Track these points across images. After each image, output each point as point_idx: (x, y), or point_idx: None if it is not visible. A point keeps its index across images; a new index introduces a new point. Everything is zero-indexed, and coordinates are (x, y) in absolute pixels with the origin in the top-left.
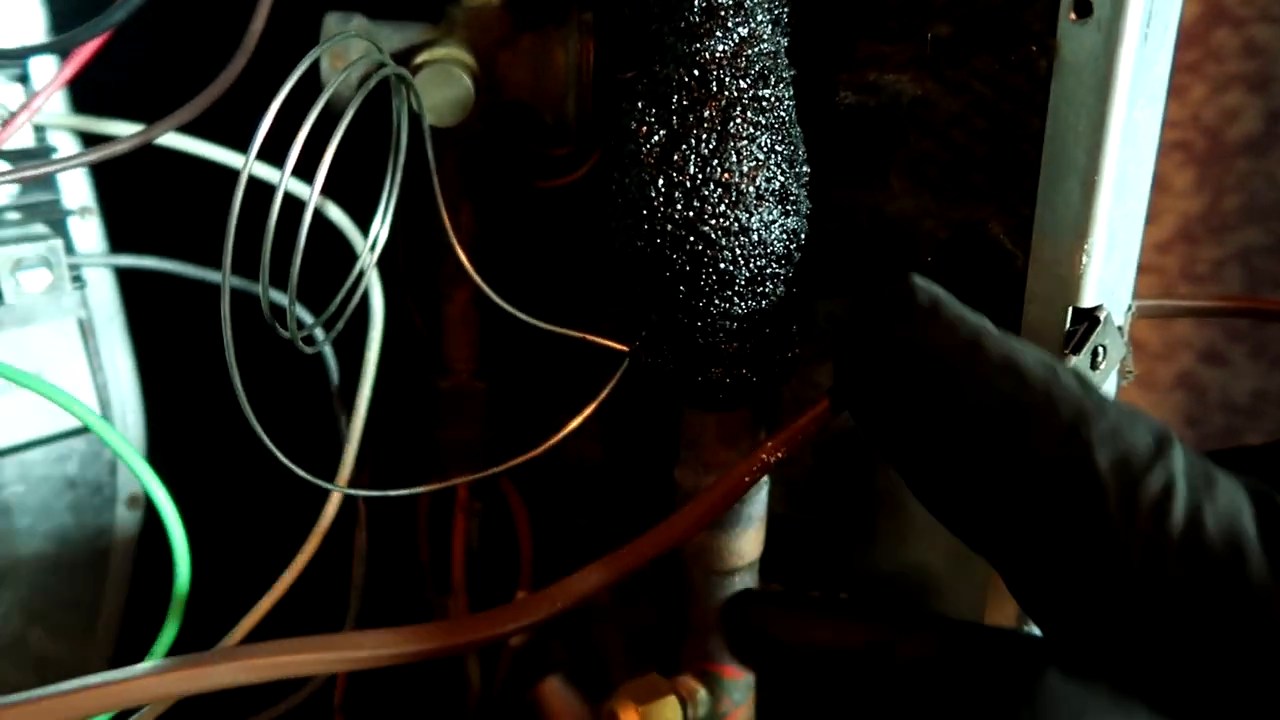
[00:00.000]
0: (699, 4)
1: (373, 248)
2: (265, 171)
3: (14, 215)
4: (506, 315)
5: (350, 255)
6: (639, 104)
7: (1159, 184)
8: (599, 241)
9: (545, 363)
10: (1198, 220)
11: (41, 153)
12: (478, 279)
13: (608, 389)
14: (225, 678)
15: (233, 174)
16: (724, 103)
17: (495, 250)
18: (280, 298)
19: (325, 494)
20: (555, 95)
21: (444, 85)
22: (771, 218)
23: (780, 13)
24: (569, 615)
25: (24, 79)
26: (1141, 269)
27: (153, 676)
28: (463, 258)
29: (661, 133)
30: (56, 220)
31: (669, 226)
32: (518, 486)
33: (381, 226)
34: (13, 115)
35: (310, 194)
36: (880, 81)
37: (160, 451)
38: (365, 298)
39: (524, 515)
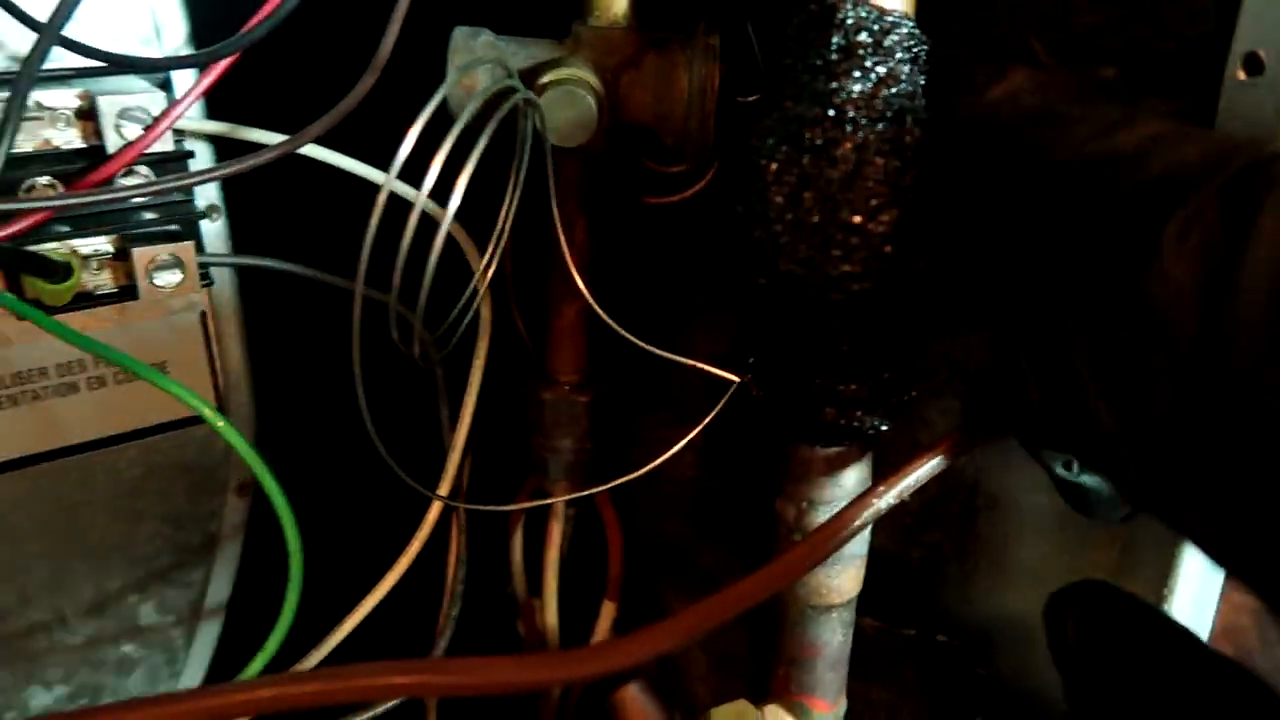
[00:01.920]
0: (837, 42)
1: (487, 268)
2: (367, 172)
3: (151, 215)
4: (611, 329)
5: (458, 256)
6: (769, 140)
7: None
8: (706, 261)
9: (646, 377)
10: None
11: (180, 156)
12: (590, 299)
13: (711, 415)
14: (358, 694)
15: (345, 177)
16: (858, 143)
17: (605, 265)
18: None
19: (422, 496)
20: (677, 117)
21: (569, 107)
22: (900, 260)
23: (919, 50)
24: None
25: (166, 85)
26: None
27: (291, 685)
28: (577, 277)
29: (793, 172)
30: (189, 221)
31: (795, 267)
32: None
33: (498, 249)
34: (156, 121)
35: (444, 218)
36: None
37: (266, 444)
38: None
39: (616, 530)
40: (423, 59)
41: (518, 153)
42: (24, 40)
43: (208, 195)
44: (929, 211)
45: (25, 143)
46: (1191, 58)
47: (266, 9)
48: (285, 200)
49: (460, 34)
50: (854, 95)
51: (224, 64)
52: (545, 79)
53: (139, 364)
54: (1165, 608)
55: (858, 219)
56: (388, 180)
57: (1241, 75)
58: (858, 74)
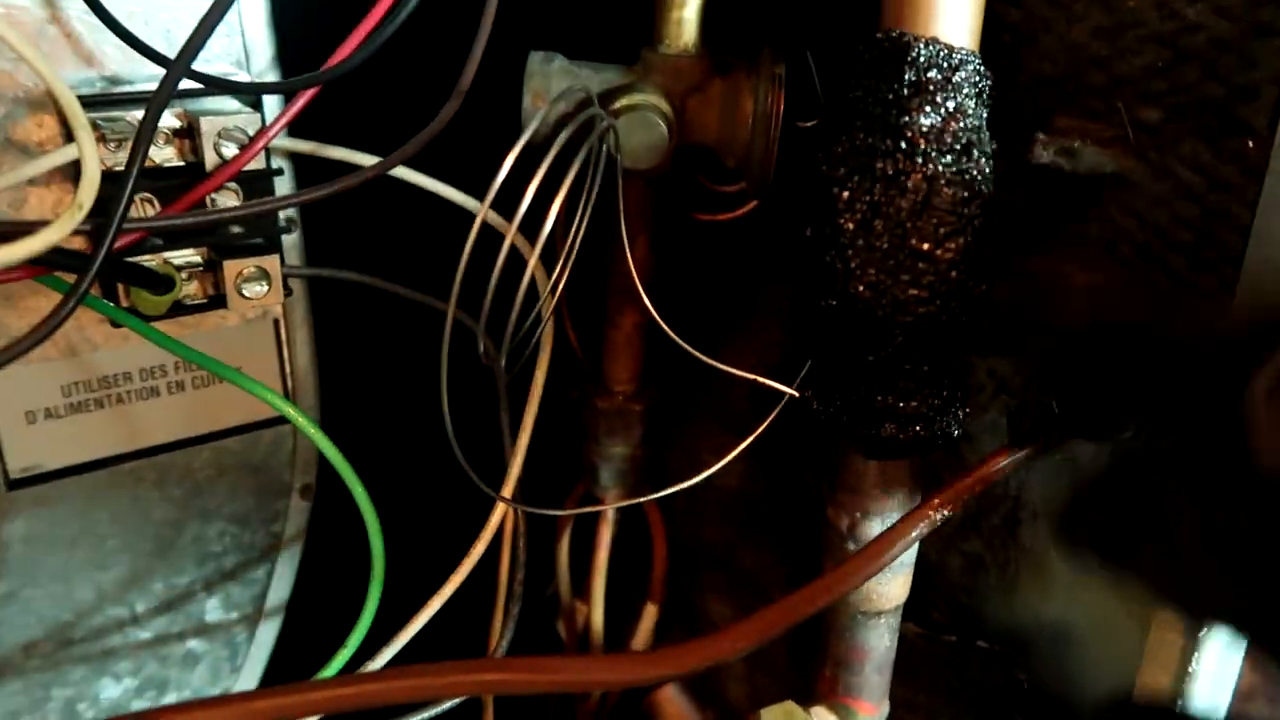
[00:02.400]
0: (909, 78)
1: (556, 283)
2: (460, 198)
3: (238, 229)
4: (665, 340)
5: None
6: (841, 169)
7: None
8: (756, 277)
9: (693, 387)
10: None
11: (269, 174)
12: (654, 313)
13: (763, 426)
14: (439, 691)
15: (416, 193)
16: (928, 174)
17: (660, 278)
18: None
19: (484, 498)
20: (740, 141)
21: (643, 130)
22: (965, 284)
23: (984, 85)
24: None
25: (257, 105)
26: None
27: (372, 684)
28: (641, 291)
29: (864, 200)
30: (273, 235)
31: (863, 289)
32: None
33: (567, 267)
34: (251, 141)
35: (509, 230)
36: (1079, 150)
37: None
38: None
39: (662, 535)
40: (496, 80)
41: (590, 175)
42: (122, 60)
43: (287, 210)
44: (993, 238)
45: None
46: (1240, 103)
47: (353, 42)
48: (355, 213)
49: (536, 58)
50: (924, 129)
51: (312, 92)
52: (618, 104)
53: (232, 371)
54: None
55: (926, 246)
56: (483, 209)
57: None
58: (928, 109)
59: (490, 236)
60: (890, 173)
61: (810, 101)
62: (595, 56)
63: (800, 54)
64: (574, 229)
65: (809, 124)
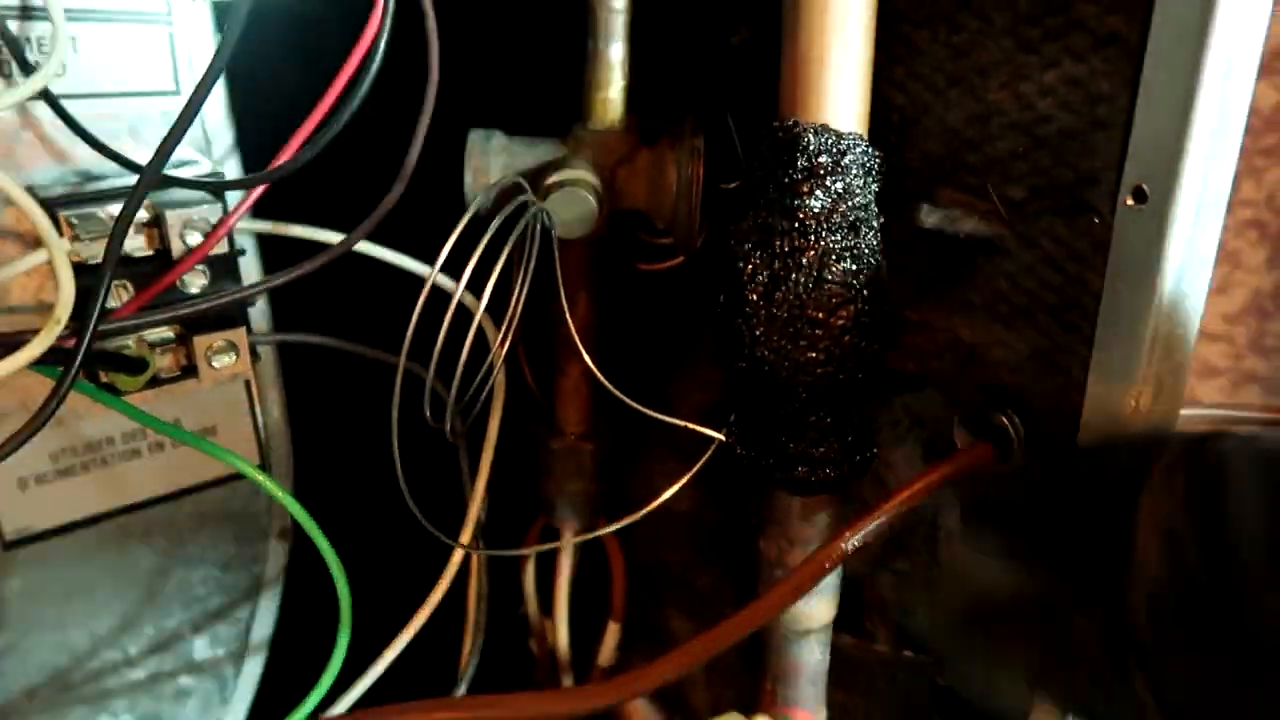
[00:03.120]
0: (801, 164)
1: (502, 342)
2: (413, 265)
3: (205, 305)
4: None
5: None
6: (745, 244)
7: (1231, 259)
8: (697, 319)
9: (644, 421)
10: (1269, 296)
11: (233, 255)
12: (591, 364)
13: (697, 466)
14: None
15: (368, 260)
16: (820, 251)
17: (606, 324)
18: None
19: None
20: (667, 205)
21: (573, 205)
22: (858, 346)
23: (873, 164)
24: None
25: (219, 194)
26: (1212, 338)
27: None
28: (579, 344)
29: (765, 274)
30: (240, 308)
31: (768, 353)
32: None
33: (511, 327)
34: (214, 229)
35: (477, 307)
36: (960, 218)
37: (303, 495)
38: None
39: (620, 560)
40: (438, 146)
41: (526, 247)
42: (94, 158)
43: (251, 276)
44: (883, 303)
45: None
46: (1086, 186)
47: (296, 143)
48: (317, 279)
49: (475, 137)
50: (815, 210)
51: (265, 187)
52: (551, 179)
53: (192, 436)
54: None
55: (821, 315)
56: (431, 274)
57: (1130, 202)
58: (819, 192)
59: (444, 298)
60: (787, 249)
61: (732, 162)
62: (532, 126)
63: (722, 119)
64: (515, 295)
65: (731, 185)
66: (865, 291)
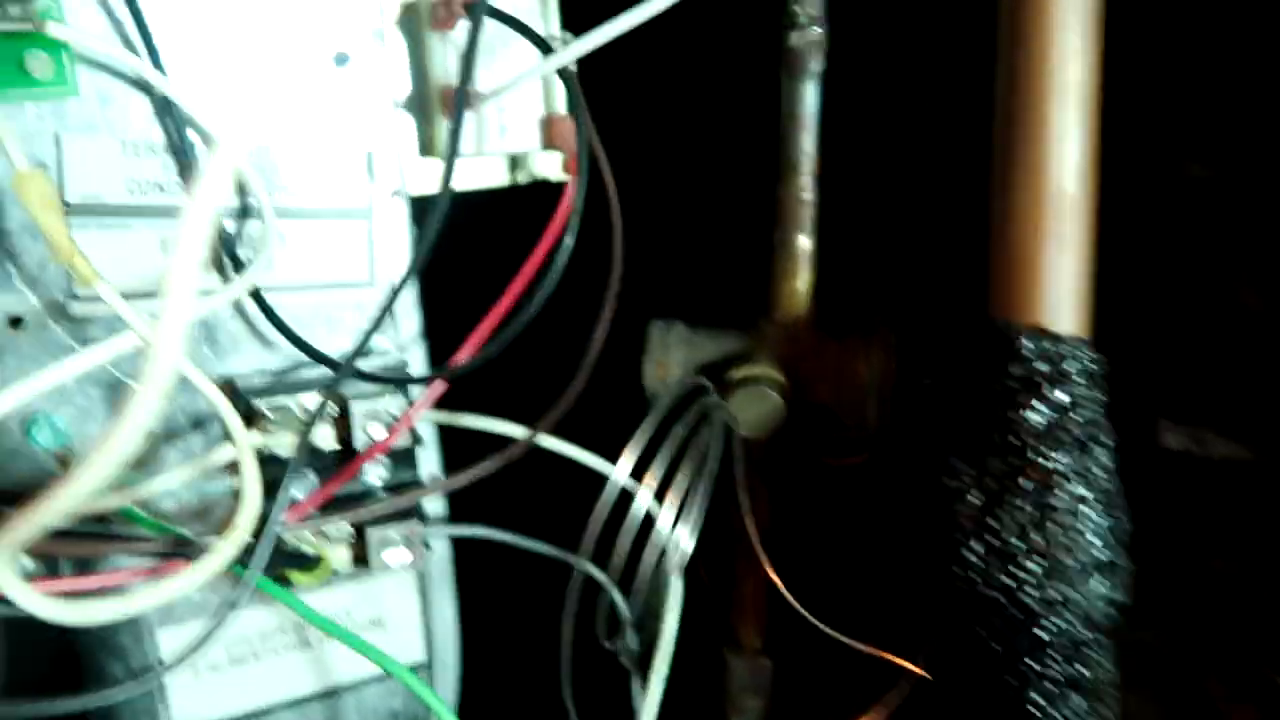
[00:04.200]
0: (1017, 372)
1: (674, 549)
2: (597, 463)
3: (383, 495)
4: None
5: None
6: (955, 460)
7: None
8: (884, 529)
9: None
10: None
11: (413, 448)
12: (773, 575)
13: (895, 702)
14: None
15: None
16: (1042, 473)
17: (785, 529)
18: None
19: None
20: (855, 402)
21: (758, 404)
22: (1095, 591)
23: (1096, 370)
24: None
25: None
26: None
27: None
28: (760, 552)
29: (978, 495)
30: (413, 503)
31: (984, 589)
32: None
33: (691, 540)
34: (397, 422)
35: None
36: (1209, 438)
37: (470, 700)
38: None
39: None
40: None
41: (709, 448)
42: (291, 348)
43: (428, 463)
44: (1122, 533)
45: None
46: None
47: (483, 333)
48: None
49: (656, 329)
50: (1035, 426)
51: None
52: (735, 374)
53: (353, 637)
54: None
55: (1047, 548)
56: (616, 474)
57: None
58: (1039, 404)
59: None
60: (1004, 469)
61: (924, 361)
62: (714, 317)
63: (914, 321)
64: (697, 504)
65: (926, 382)
66: (1102, 522)
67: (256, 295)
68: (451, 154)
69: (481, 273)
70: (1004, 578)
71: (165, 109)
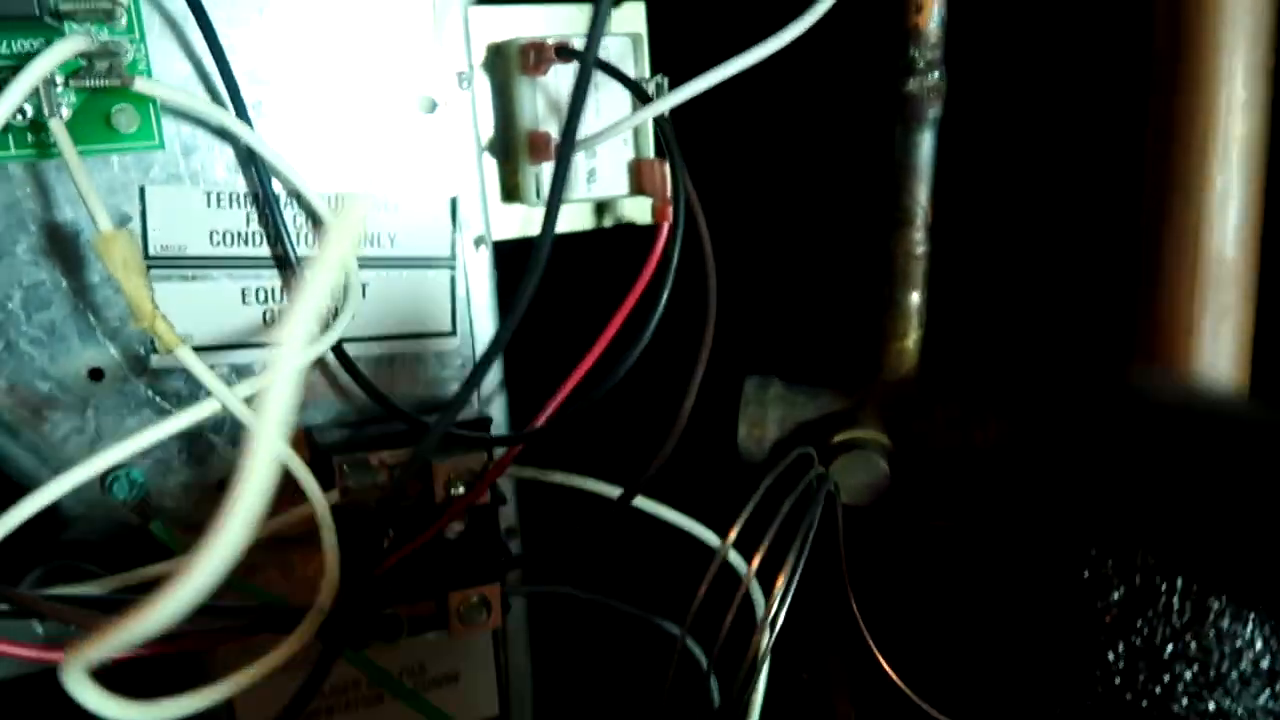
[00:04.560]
0: None
1: (773, 622)
2: (698, 530)
3: (461, 551)
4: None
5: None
6: (1092, 550)
7: None
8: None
9: None
10: None
11: (495, 505)
12: (876, 653)
13: None
14: None
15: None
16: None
17: (886, 597)
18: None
19: None
20: (967, 468)
21: (862, 470)
22: (1257, 703)
23: None
24: None
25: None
26: None
27: None
28: (862, 627)
29: (1124, 590)
30: (494, 564)
31: (1129, 697)
32: None
33: (782, 608)
34: (480, 480)
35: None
36: None
37: None
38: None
39: None
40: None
41: (808, 516)
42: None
43: (507, 518)
44: None
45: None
46: None
47: (568, 388)
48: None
49: (751, 385)
50: None
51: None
52: (838, 437)
53: (422, 700)
54: None
55: (1203, 655)
56: (724, 547)
57: None
58: None
59: (707, 555)
60: (1153, 560)
61: (1052, 430)
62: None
63: (1034, 376)
64: (791, 567)
65: (1051, 451)
66: (1266, 626)
67: (338, 348)
68: (555, 203)
69: (560, 316)
70: (1152, 685)
71: (249, 159)
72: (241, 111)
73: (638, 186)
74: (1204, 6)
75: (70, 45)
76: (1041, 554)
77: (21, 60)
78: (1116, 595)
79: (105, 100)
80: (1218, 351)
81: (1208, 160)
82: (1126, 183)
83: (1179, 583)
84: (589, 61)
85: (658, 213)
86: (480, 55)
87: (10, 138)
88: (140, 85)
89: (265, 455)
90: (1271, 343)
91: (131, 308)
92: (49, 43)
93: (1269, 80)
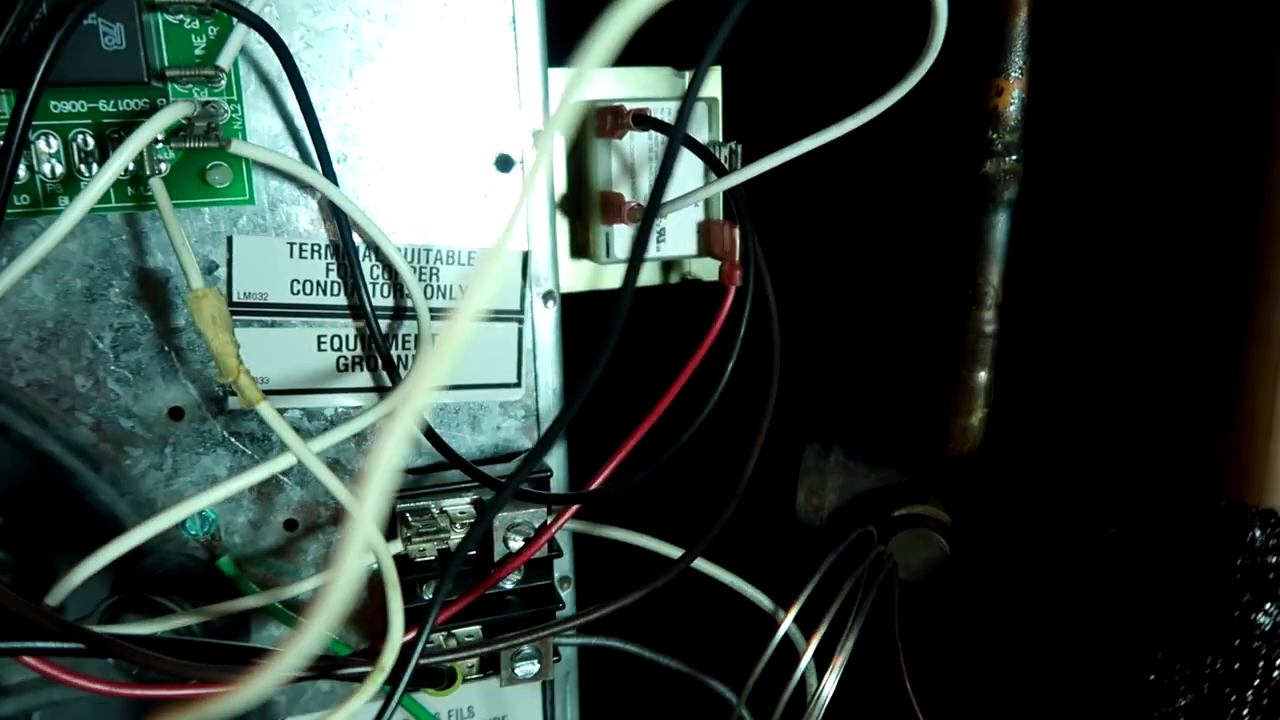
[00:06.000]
0: (1243, 562)
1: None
2: (757, 596)
3: (514, 599)
4: None
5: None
6: (1159, 652)
7: None
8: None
9: None
10: None
11: (550, 558)
12: None
13: None
14: None
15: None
16: (1272, 684)
17: (947, 672)
18: None
19: None
20: (1027, 548)
21: (922, 548)
22: None
23: None
24: None
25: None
26: None
27: None
28: (915, 705)
29: (1188, 698)
30: (547, 615)
31: None
32: None
33: (834, 680)
34: (537, 535)
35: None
36: None
37: None
38: None
39: None
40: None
41: (862, 589)
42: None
43: (561, 567)
44: None
45: (429, 550)
46: None
47: (627, 448)
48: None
49: (811, 453)
50: (1264, 628)
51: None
52: (899, 511)
53: None
54: None
55: None
56: (786, 621)
57: None
58: (1270, 605)
59: (760, 617)
60: (1222, 671)
61: (1122, 525)
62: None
63: (1101, 462)
64: (845, 639)
65: (1112, 531)
66: None
67: None
68: (633, 278)
69: (621, 365)
70: None
71: (332, 213)
72: (328, 168)
73: (706, 248)
74: None
75: (174, 111)
76: (1106, 650)
77: (127, 118)
78: (1182, 702)
79: (201, 157)
80: None
81: None
82: (1205, 276)
83: (1249, 695)
84: (678, 137)
85: (725, 275)
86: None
87: (111, 190)
88: (236, 148)
89: (363, 540)
90: None
91: (218, 362)
92: (153, 103)
93: None
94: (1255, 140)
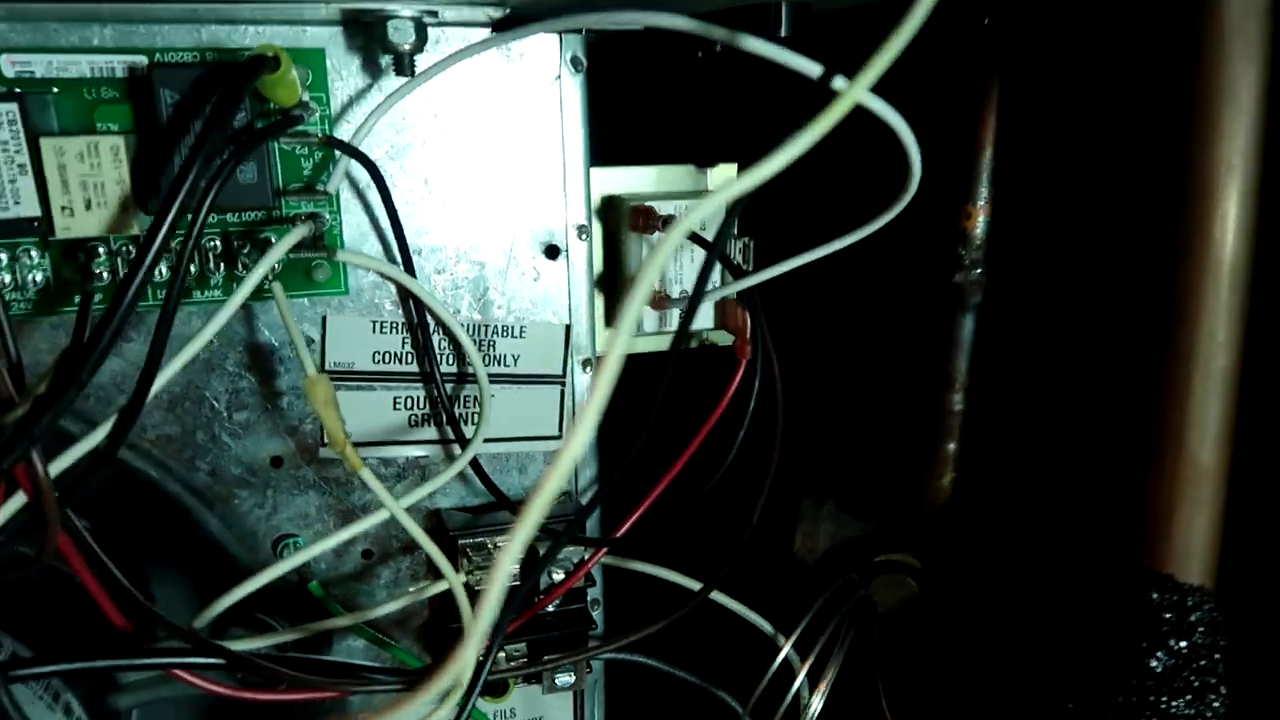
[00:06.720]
0: (1141, 619)
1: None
2: (764, 625)
3: (553, 619)
4: None
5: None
6: (1078, 684)
7: None
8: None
9: None
10: None
11: (585, 588)
12: None
13: None
14: None
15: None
16: (1161, 715)
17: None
18: None
19: None
20: (988, 590)
21: (897, 590)
22: None
23: (1219, 620)
24: None
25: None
26: None
27: None
28: None
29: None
30: (582, 634)
31: None
32: None
33: (821, 697)
34: (576, 569)
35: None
36: None
37: None
38: None
39: None
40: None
41: (846, 624)
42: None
43: (593, 593)
44: None
45: (484, 581)
46: None
47: (648, 502)
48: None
49: (807, 505)
50: (1155, 671)
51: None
52: (879, 557)
53: None
54: None
55: None
56: (786, 647)
57: None
58: (1160, 653)
59: (765, 644)
60: (1126, 706)
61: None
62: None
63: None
64: (827, 676)
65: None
66: None
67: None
68: (670, 367)
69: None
70: None
71: (408, 297)
72: (408, 262)
73: (721, 323)
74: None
75: (299, 233)
76: (1039, 677)
77: (249, 227)
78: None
79: (309, 258)
80: (1191, 538)
81: (1191, 386)
82: (1123, 381)
83: None
84: (713, 256)
85: (737, 349)
86: (596, 203)
87: (234, 285)
88: (341, 257)
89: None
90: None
91: (328, 436)
92: (269, 214)
93: (1244, 312)
94: (1161, 274)
